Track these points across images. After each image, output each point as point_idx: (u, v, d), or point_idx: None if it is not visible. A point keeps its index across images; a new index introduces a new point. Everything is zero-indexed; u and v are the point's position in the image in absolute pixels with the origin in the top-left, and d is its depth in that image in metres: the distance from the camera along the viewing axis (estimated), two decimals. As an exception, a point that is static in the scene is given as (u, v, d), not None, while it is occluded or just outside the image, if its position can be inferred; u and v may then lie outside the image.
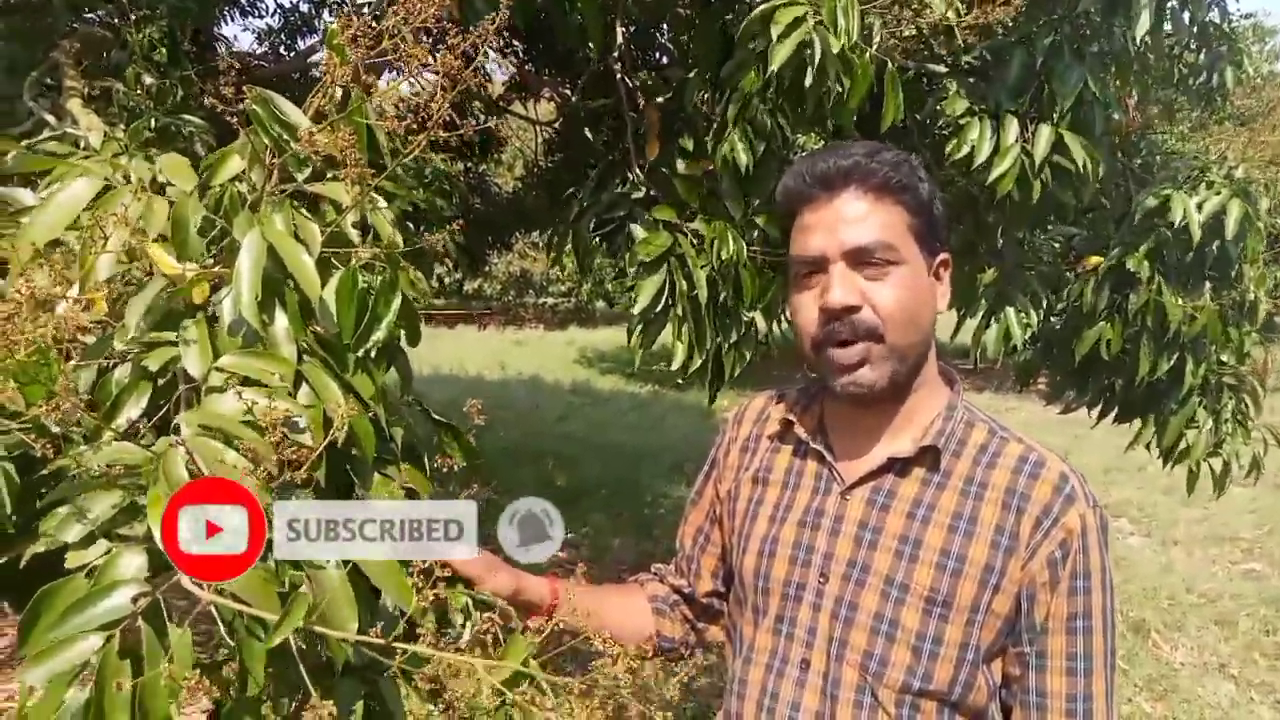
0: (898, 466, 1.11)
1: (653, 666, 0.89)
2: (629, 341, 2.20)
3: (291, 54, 3.64)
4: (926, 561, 1.06)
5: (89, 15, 2.47)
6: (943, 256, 1.13)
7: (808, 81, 1.63)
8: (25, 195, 1.03)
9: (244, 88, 0.94)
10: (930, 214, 1.10)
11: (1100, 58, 2.33)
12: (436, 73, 0.88)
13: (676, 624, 1.32)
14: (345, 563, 0.87)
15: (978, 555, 1.05)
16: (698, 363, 2.10)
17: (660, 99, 2.17)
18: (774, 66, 1.63)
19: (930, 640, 1.05)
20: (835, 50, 1.64)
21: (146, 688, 0.80)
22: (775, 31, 1.63)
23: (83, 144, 1.55)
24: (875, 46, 1.78)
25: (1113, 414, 2.88)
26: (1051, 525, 1.04)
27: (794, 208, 1.12)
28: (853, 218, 1.06)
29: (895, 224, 1.07)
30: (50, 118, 1.91)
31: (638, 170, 2.12)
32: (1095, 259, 2.54)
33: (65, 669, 0.80)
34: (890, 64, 1.79)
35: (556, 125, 3.17)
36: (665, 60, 2.45)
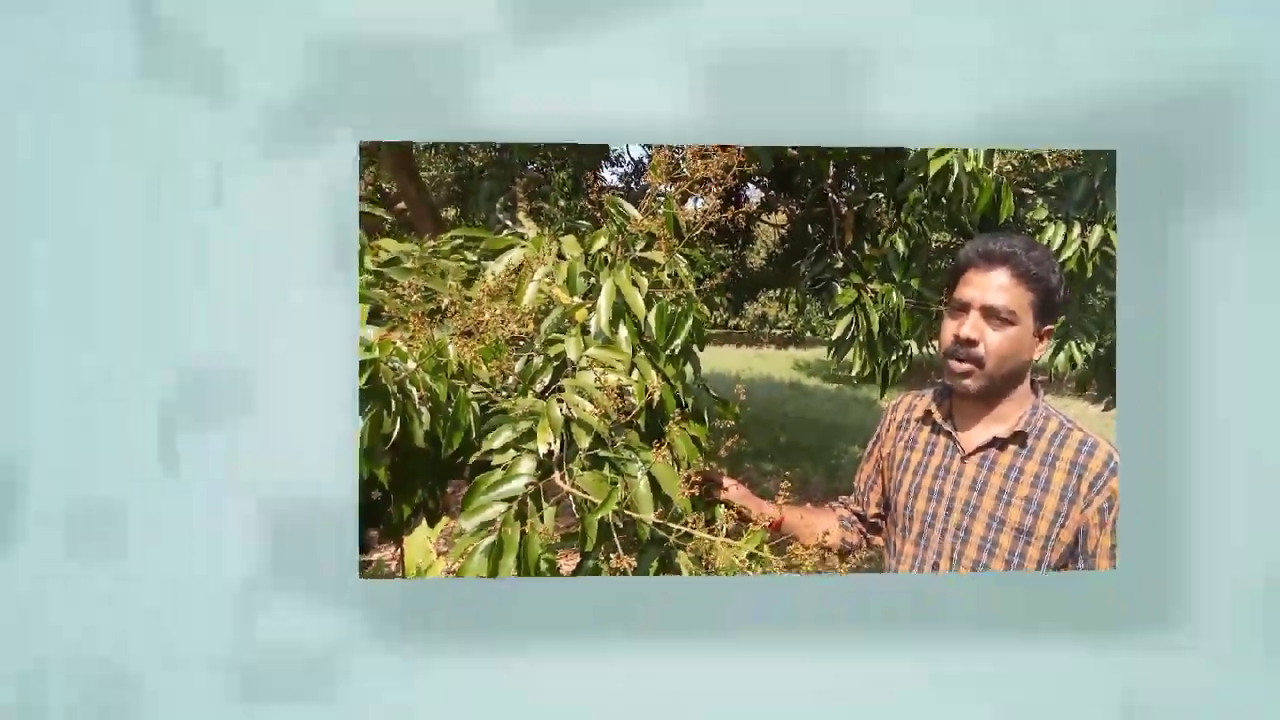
0: (999, 443, 1.50)
1: (831, 558, 1.33)
2: (828, 354, 3.38)
3: (635, 187, 5.29)
4: (1016, 506, 1.44)
5: (530, 165, 3.65)
6: (1049, 327, 1.50)
7: (950, 189, 2.58)
8: (493, 264, 1.75)
9: (605, 199, 1.60)
10: (1051, 299, 1.48)
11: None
12: (715, 183, 1.46)
13: (854, 534, 1.79)
14: (647, 474, 1.34)
15: (1050, 504, 1.42)
16: (869, 371, 3.20)
17: (855, 208, 3.47)
18: (933, 172, 2.61)
19: (1017, 556, 1.43)
20: (969, 169, 2.64)
21: (528, 537, 1.25)
22: (930, 153, 2.60)
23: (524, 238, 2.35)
24: (994, 171, 2.77)
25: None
26: (1101, 486, 1.40)
27: (964, 268, 1.53)
28: (996, 287, 1.46)
29: (1022, 299, 1.46)
30: (508, 223, 2.88)
31: (839, 252, 3.38)
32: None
33: (485, 519, 1.27)
34: (1006, 180, 2.78)
35: (785, 228, 4.92)
36: (854, 187, 3.63)
